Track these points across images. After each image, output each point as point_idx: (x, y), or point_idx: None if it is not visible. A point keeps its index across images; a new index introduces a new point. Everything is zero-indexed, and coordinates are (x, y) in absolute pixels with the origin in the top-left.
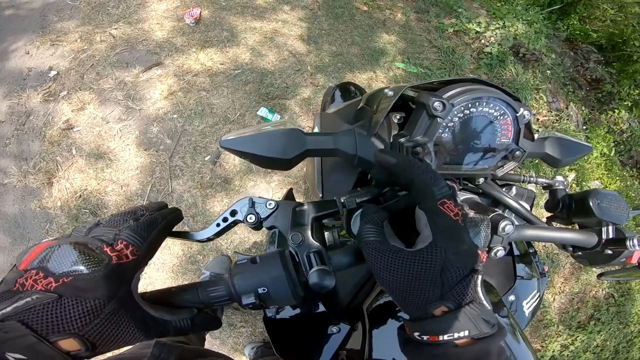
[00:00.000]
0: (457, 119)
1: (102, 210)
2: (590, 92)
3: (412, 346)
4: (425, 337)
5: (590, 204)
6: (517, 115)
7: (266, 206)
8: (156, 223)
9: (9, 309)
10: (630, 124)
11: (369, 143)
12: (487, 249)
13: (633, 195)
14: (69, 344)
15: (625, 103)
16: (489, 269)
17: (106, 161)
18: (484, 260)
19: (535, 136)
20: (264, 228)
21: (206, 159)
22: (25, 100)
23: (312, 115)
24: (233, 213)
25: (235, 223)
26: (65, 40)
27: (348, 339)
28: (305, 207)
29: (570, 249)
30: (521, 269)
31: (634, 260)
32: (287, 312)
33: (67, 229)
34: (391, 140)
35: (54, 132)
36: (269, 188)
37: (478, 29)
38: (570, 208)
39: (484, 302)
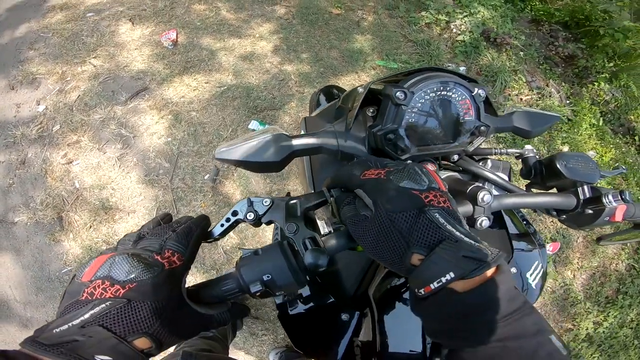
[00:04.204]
0: (419, 104)
1: (114, 238)
2: (567, 69)
3: (419, 303)
4: (422, 291)
5: (558, 166)
6: (473, 94)
7: (263, 204)
8: (192, 232)
9: (86, 315)
10: (613, 94)
11: (348, 137)
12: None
13: (630, 161)
14: (142, 343)
15: (603, 75)
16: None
17: (110, 191)
18: (437, 199)
19: (503, 112)
20: (263, 225)
21: (205, 177)
22: (20, 138)
23: None
24: (234, 213)
25: (237, 222)
26: (46, 72)
27: (360, 325)
28: (297, 200)
29: (554, 213)
30: (518, 241)
31: (618, 218)
32: (300, 307)
33: (83, 259)
34: (367, 131)
35: (54, 168)
36: None
37: (447, 19)
38: (542, 173)
39: (464, 239)
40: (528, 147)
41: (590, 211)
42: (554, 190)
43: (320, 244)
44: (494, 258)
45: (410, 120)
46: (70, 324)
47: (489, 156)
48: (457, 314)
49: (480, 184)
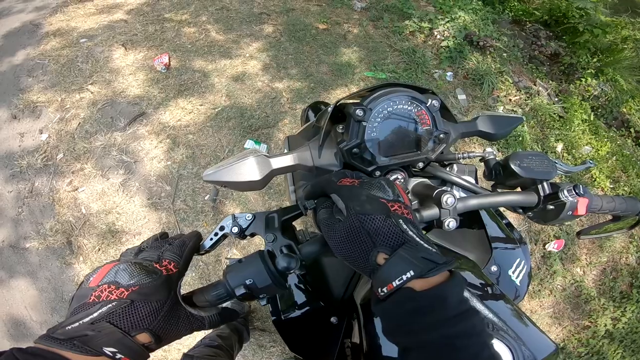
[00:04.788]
0: (379, 119)
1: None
2: (553, 67)
3: (379, 304)
4: (385, 290)
5: (512, 166)
6: (427, 105)
7: (245, 218)
8: (186, 244)
9: (95, 314)
10: (602, 89)
11: (322, 154)
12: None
13: (628, 153)
14: (143, 337)
15: (589, 71)
16: (464, 245)
17: (115, 215)
18: (401, 210)
19: (468, 117)
20: (248, 237)
21: (206, 198)
22: (26, 168)
23: None
24: (221, 228)
25: (224, 236)
26: (46, 100)
27: (350, 328)
28: (275, 213)
29: (520, 210)
30: (498, 241)
31: (581, 212)
32: (292, 313)
33: None
34: (337, 147)
35: (61, 196)
36: None
37: (430, 26)
38: (501, 174)
39: (423, 244)
40: (488, 149)
41: (552, 207)
42: (518, 189)
43: (295, 250)
44: (448, 262)
45: (372, 135)
46: (81, 322)
47: (455, 161)
48: (413, 311)
49: (447, 188)
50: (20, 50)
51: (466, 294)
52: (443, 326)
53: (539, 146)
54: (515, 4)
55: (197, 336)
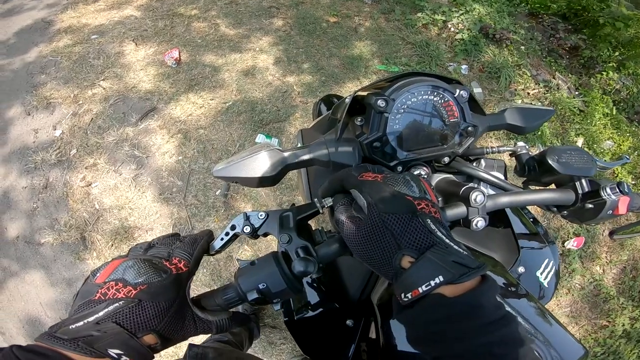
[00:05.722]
0: (402, 110)
1: None
2: (572, 60)
3: (404, 310)
4: (409, 295)
5: (550, 161)
6: (455, 96)
7: (258, 217)
8: (197, 242)
9: (101, 313)
10: (623, 83)
11: (339, 147)
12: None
13: None
14: (150, 339)
15: (610, 65)
16: (488, 245)
17: (128, 210)
18: (428, 208)
19: (495, 110)
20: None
21: (217, 193)
22: (40, 163)
23: None
24: (232, 227)
25: (235, 236)
26: (60, 97)
27: (367, 331)
28: (290, 212)
29: (555, 209)
30: (525, 240)
31: (622, 211)
32: (306, 313)
33: None
34: (356, 140)
35: (75, 191)
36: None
37: (444, 18)
38: (536, 170)
39: (454, 246)
40: (520, 143)
41: (591, 205)
42: (552, 186)
43: (312, 252)
44: (480, 267)
45: (394, 127)
46: (85, 321)
47: (482, 156)
48: (444, 318)
49: (475, 185)
50: (32, 48)
51: (498, 298)
52: (480, 334)
53: (559, 140)
54: None
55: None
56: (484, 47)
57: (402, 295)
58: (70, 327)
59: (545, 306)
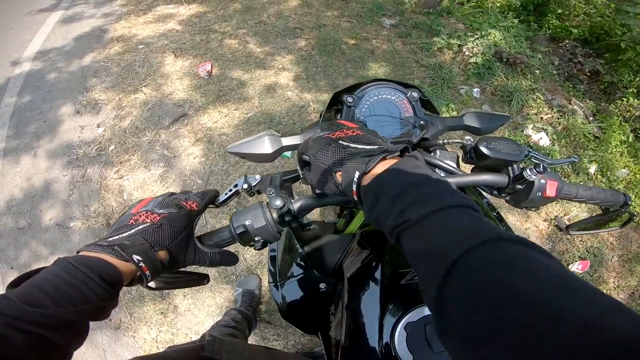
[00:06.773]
0: (366, 105)
1: None
2: (593, 85)
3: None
4: (354, 197)
5: (481, 147)
6: (407, 96)
7: (255, 178)
8: (206, 194)
9: (132, 230)
10: None
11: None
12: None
13: None
14: (162, 254)
15: (631, 90)
16: None
17: None
18: (343, 133)
19: (454, 113)
20: (256, 194)
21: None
22: (82, 156)
23: None
24: (235, 185)
25: (237, 192)
26: (106, 99)
27: (335, 295)
28: (278, 175)
29: (496, 192)
30: None
31: (550, 193)
32: (288, 281)
33: None
34: None
35: (108, 182)
36: None
37: (459, 42)
38: (473, 157)
39: (366, 147)
40: (467, 137)
41: (520, 186)
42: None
43: (286, 197)
44: (384, 150)
45: (360, 118)
46: (121, 235)
47: (439, 147)
48: (372, 203)
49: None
50: (88, 53)
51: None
52: (390, 208)
53: (570, 167)
54: (554, 21)
55: (214, 319)
56: (497, 71)
57: (354, 198)
58: (109, 239)
59: None
